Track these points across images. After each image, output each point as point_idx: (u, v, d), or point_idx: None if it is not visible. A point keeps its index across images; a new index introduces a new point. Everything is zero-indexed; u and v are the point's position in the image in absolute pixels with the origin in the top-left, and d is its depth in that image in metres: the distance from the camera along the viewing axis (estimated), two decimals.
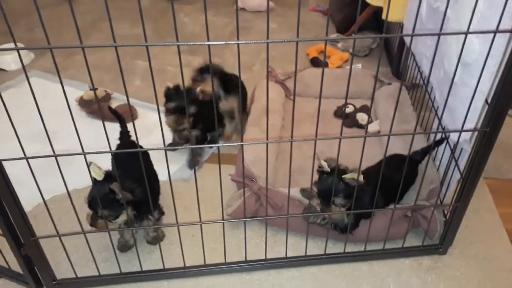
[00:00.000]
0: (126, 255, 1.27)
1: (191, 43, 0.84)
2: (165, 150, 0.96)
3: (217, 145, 0.96)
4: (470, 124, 1.12)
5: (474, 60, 1.11)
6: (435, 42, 1.40)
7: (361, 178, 1.09)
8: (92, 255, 1.11)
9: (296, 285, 1.20)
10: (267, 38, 0.80)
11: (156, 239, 1.28)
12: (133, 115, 1.81)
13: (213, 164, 1.60)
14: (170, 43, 0.84)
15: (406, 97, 1.75)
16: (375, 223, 1.22)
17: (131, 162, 1.15)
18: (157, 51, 2.35)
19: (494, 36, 0.90)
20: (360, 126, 1.73)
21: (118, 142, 1.37)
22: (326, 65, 2.17)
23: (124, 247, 1.27)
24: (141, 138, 1.43)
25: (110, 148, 0.95)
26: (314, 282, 1.20)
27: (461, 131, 1.08)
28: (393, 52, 2.13)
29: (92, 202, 1.04)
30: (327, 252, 1.24)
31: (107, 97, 1.88)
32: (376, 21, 2.38)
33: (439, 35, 0.86)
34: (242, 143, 0.97)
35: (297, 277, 1.22)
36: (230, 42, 0.86)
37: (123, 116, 1.44)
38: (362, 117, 1.73)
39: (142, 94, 1.99)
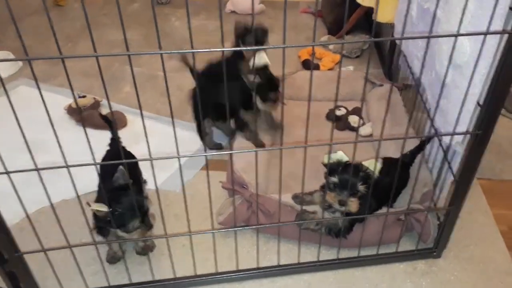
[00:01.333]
0: (115, 267, 1.25)
1: (175, 51, 0.82)
2: (151, 161, 0.93)
3: (204, 154, 0.94)
4: (462, 126, 1.11)
5: (465, 62, 1.09)
6: (426, 43, 1.39)
7: (378, 166, 1.09)
8: (79, 268, 1.08)
9: None
10: None
11: (146, 249, 1.26)
12: (122, 122, 1.79)
13: (203, 171, 1.57)
14: (153, 52, 0.81)
15: (398, 99, 1.74)
16: (368, 227, 1.20)
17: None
18: (148, 57, 2.32)
19: (484, 38, 0.89)
20: (352, 129, 1.71)
21: (108, 148, 1.35)
22: (316, 67, 2.15)
23: (113, 259, 1.24)
24: (131, 145, 1.41)
25: (95, 160, 0.92)
26: None
27: (452, 134, 1.07)
28: (384, 53, 2.11)
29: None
30: (320, 258, 1.22)
31: (96, 104, 1.85)
32: (368, 22, 2.37)
33: (428, 37, 0.84)
34: (231, 152, 0.95)
35: (290, 285, 1.20)
36: (214, 50, 0.83)
37: (114, 122, 1.41)
38: (354, 120, 1.72)
39: (132, 100, 1.97)
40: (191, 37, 0.80)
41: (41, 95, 0.81)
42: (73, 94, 0.87)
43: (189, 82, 2.12)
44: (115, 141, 1.36)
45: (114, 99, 1.98)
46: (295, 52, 2.27)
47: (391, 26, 1.87)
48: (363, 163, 1.12)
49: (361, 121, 1.71)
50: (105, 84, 2.06)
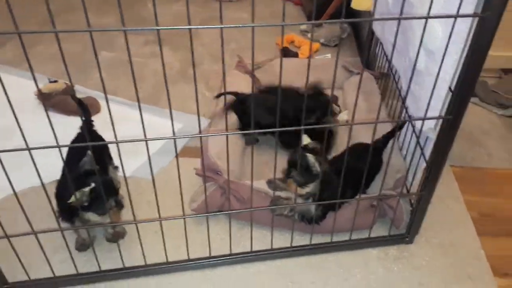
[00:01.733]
0: (85, 255, 1.22)
1: (139, 28, 0.79)
2: (118, 144, 0.90)
3: (173, 137, 0.92)
4: (434, 112, 1.11)
5: (438, 47, 1.09)
6: (401, 30, 1.39)
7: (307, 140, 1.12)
8: (45, 256, 1.05)
9: (262, 279, 1.17)
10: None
11: (117, 237, 1.23)
12: (96, 108, 1.74)
13: (180, 158, 1.55)
14: (116, 29, 0.78)
15: (375, 87, 1.74)
16: (341, 213, 1.21)
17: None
18: (123, 42, 2.25)
19: (454, 21, 0.88)
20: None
21: (79, 131, 1.31)
22: (295, 55, 2.14)
23: (82, 246, 1.21)
24: (104, 131, 1.37)
25: (58, 143, 0.89)
26: (281, 276, 1.18)
27: (424, 119, 1.07)
28: (363, 41, 2.11)
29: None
30: (293, 244, 1.22)
31: (68, 89, 1.79)
32: (348, 11, 2.36)
33: (399, 19, 0.84)
34: (200, 135, 0.93)
35: (263, 271, 1.19)
36: (179, 27, 0.81)
37: (87, 105, 1.36)
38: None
39: (106, 85, 1.91)
40: (155, 11, 0.77)
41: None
42: (34, 80, 0.82)
43: (165, 68, 2.09)
44: (86, 125, 1.32)
45: (88, 84, 1.93)
46: (273, 40, 2.25)
47: (370, 14, 1.87)
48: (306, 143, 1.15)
49: (338, 109, 1.71)
50: (79, 69, 1.98)
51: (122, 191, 1.21)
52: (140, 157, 1.55)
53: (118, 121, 1.67)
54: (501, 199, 1.45)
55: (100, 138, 1.25)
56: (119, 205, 1.11)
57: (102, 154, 1.22)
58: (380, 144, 1.34)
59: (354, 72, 1.86)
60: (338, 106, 1.74)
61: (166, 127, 1.77)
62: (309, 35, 2.30)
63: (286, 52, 2.15)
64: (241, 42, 2.28)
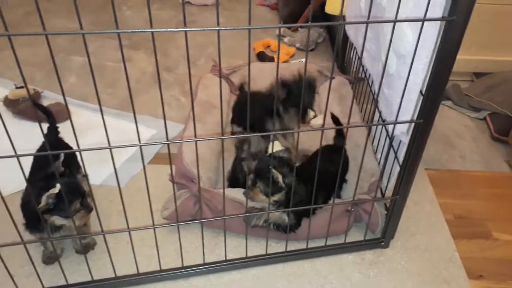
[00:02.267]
0: (52, 268, 1.17)
1: (96, 32, 0.75)
2: (80, 152, 0.87)
3: (138, 144, 0.89)
4: (407, 116, 1.11)
5: (408, 51, 1.09)
6: (374, 35, 1.39)
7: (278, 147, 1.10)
8: (7, 270, 1.00)
9: None
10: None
11: (86, 248, 1.19)
12: (65, 114, 1.69)
13: (153, 165, 1.51)
14: (74, 32, 0.75)
15: (350, 91, 1.75)
16: (316, 219, 1.19)
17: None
18: (96, 46, 2.22)
19: (422, 25, 0.88)
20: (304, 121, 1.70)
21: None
22: (271, 59, 2.13)
23: (49, 259, 1.16)
24: (74, 139, 1.32)
25: (15, 152, 0.84)
26: (256, 284, 1.16)
27: (395, 123, 1.07)
28: (338, 47, 2.12)
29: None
30: (269, 252, 1.20)
31: (36, 95, 1.74)
32: (324, 16, 2.37)
33: (367, 23, 0.83)
34: (168, 142, 0.91)
35: (238, 280, 1.16)
36: (145, 30, 0.78)
37: (51, 112, 1.33)
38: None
39: (76, 91, 1.87)
40: (115, 13, 0.74)
41: None
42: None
43: (138, 73, 2.05)
44: (52, 131, 1.28)
45: (58, 90, 1.87)
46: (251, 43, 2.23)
47: (344, 18, 1.88)
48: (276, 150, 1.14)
49: (313, 113, 1.71)
50: (48, 74, 1.94)
51: (99, 202, 1.17)
52: (111, 165, 1.50)
53: (90, 128, 1.65)
54: (475, 201, 1.46)
55: (67, 146, 1.21)
56: (87, 208, 1.07)
57: (70, 162, 1.18)
58: (341, 141, 1.32)
59: (329, 77, 1.86)
60: (314, 110, 1.73)
61: (140, 134, 1.74)
62: (285, 39, 2.29)
63: (262, 57, 2.14)
64: (217, 47, 2.25)
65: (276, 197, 1.11)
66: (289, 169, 1.10)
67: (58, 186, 0.98)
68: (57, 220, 1.04)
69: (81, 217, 1.07)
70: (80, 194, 1.05)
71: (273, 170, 1.05)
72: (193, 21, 2.53)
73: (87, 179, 1.08)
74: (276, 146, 1.13)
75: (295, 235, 1.21)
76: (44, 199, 0.98)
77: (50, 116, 1.29)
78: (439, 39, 0.92)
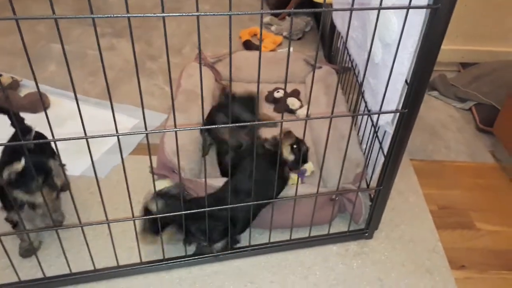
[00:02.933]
0: (30, 261, 1.14)
1: (72, 16, 0.72)
2: (55, 142, 0.83)
3: (115, 134, 0.86)
4: (392, 106, 1.09)
5: (394, 40, 1.07)
6: (360, 23, 1.37)
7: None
8: None
9: (220, 280, 1.13)
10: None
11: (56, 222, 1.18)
12: (44, 103, 1.64)
13: (135, 155, 1.48)
14: (46, 17, 0.71)
15: (335, 81, 1.73)
16: (300, 207, 1.18)
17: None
18: (77, 34, 2.16)
19: (407, 13, 0.86)
20: (290, 111, 1.68)
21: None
22: (258, 48, 2.10)
23: (26, 252, 1.13)
24: (54, 128, 1.27)
25: None
26: (239, 276, 1.14)
27: (379, 113, 1.05)
28: (325, 35, 2.09)
29: None
30: (252, 243, 1.18)
31: (15, 84, 1.69)
32: (311, 4, 2.34)
33: (351, 10, 0.81)
34: (146, 132, 0.88)
35: (221, 272, 1.15)
36: (120, 15, 0.75)
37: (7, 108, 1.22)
38: (292, 102, 1.68)
39: (57, 80, 1.82)
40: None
41: None
42: None
43: (121, 62, 2.00)
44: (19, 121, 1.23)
45: (38, 78, 1.81)
46: (236, 32, 2.20)
47: (331, 6, 1.85)
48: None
49: (299, 103, 1.69)
50: (27, 63, 1.89)
51: (78, 194, 1.14)
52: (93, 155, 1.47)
53: (70, 117, 1.60)
54: (459, 191, 1.47)
55: (40, 135, 1.17)
56: (51, 187, 1.08)
57: (43, 150, 1.15)
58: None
59: (316, 66, 1.84)
60: (300, 100, 1.72)
61: (121, 123, 1.70)
62: (272, 28, 2.26)
63: (249, 45, 2.11)
64: (203, 35, 2.21)
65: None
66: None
67: (23, 161, 0.98)
68: (20, 194, 1.03)
69: (45, 194, 1.04)
70: (44, 171, 1.06)
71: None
72: (178, 8, 2.47)
73: (63, 168, 1.07)
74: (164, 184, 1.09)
75: (278, 223, 1.19)
76: (6, 173, 0.98)
77: (8, 113, 1.18)
78: (424, 26, 0.90)
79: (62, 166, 1.22)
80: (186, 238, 1.10)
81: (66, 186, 1.25)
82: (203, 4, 2.50)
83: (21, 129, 1.15)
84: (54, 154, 1.18)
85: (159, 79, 1.90)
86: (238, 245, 1.19)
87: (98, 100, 1.72)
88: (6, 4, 0.67)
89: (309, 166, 1.44)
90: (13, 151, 1.07)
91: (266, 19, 2.34)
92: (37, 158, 1.07)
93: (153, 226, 1.03)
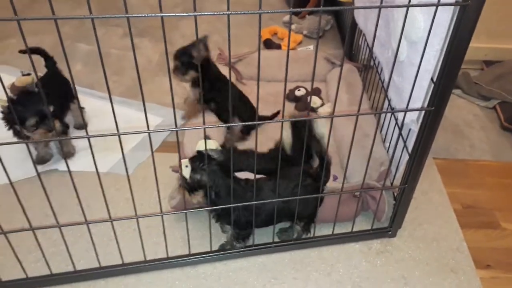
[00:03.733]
0: (60, 255, 1.17)
1: (107, 16, 0.74)
2: (89, 139, 0.86)
3: (146, 131, 0.88)
4: (417, 104, 1.09)
5: (420, 37, 1.07)
6: (384, 22, 1.37)
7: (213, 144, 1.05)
8: (16, 256, 1.00)
9: (243, 276, 1.15)
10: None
11: (67, 154, 1.48)
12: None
13: (160, 153, 1.51)
14: (84, 17, 0.74)
15: (358, 79, 1.72)
16: (324, 203, 1.18)
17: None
18: (101, 34, 2.20)
19: (435, 10, 0.86)
20: (312, 109, 1.69)
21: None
22: (278, 47, 2.11)
23: (42, 159, 1.45)
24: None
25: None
26: (263, 272, 1.16)
27: (406, 110, 1.05)
28: (346, 34, 2.09)
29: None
30: (276, 240, 1.19)
31: None
32: (330, 3, 2.33)
33: (379, 7, 0.81)
34: (176, 129, 0.90)
35: (245, 268, 1.17)
36: (154, 15, 0.77)
37: (44, 49, 1.56)
38: (314, 100, 1.69)
39: (82, 79, 1.86)
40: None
41: None
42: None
43: (144, 61, 2.04)
44: (51, 63, 1.56)
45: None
46: (255, 31, 2.21)
47: (352, 4, 1.85)
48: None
49: (321, 101, 1.69)
50: (55, 61, 1.95)
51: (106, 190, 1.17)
52: (118, 153, 1.49)
53: (95, 116, 1.64)
54: (483, 191, 1.45)
55: (65, 78, 1.54)
56: (48, 128, 1.31)
57: (66, 93, 1.53)
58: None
59: (336, 64, 1.84)
60: (321, 98, 1.72)
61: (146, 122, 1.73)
62: (292, 26, 2.26)
63: (269, 44, 2.12)
64: (224, 34, 2.23)
65: (198, 197, 1.06)
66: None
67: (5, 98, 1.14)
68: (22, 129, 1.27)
69: (40, 133, 1.31)
70: (36, 113, 1.28)
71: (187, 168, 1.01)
72: (199, 8, 2.49)
73: (81, 111, 1.50)
74: (210, 145, 1.04)
75: None
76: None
77: (43, 53, 1.54)
78: (452, 24, 0.89)
79: (81, 108, 1.53)
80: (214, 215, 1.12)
81: (82, 126, 1.60)
82: (221, 4, 2.52)
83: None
84: (74, 98, 1.53)
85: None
86: (263, 242, 1.21)
87: (123, 99, 1.76)
88: (31, 4, 0.70)
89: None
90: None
91: (286, 18, 2.34)
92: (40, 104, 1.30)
93: (187, 186, 1.04)
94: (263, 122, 1.56)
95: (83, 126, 1.58)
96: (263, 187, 1.09)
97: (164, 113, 1.69)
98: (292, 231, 1.20)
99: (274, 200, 1.06)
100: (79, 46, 2.11)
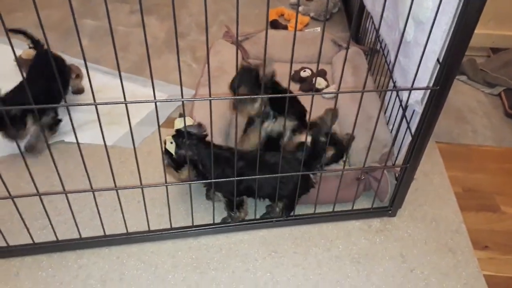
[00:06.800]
0: (65, 222, 1.20)
1: None
2: (96, 106, 0.87)
3: (154, 100, 0.89)
4: (422, 84, 1.10)
5: (428, 18, 1.07)
6: (391, 3, 1.36)
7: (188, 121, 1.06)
8: (23, 221, 1.03)
9: (245, 248, 1.17)
10: None
11: (32, 149, 1.40)
12: (79, 75, 1.69)
13: (164, 128, 1.52)
14: None
15: (363, 62, 1.72)
16: (325, 185, 1.20)
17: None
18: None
19: None
20: (317, 91, 1.69)
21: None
22: (284, 28, 2.10)
23: (30, 147, 1.39)
24: (86, 100, 1.33)
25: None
26: (264, 245, 1.18)
27: (411, 89, 1.06)
28: (353, 16, 2.08)
29: None
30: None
31: None
32: None
33: None
34: (182, 99, 0.91)
35: (246, 240, 1.19)
36: None
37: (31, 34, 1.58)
38: (319, 82, 1.69)
39: (89, 54, 1.86)
40: None
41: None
42: (11, 44, 0.78)
43: (150, 39, 2.04)
44: (38, 44, 1.58)
45: (70, 52, 1.87)
46: (262, 12, 2.20)
47: None
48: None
49: (326, 83, 1.70)
50: (61, 36, 1.98)
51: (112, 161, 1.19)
52: (124, 127, 1.51)
53: (100, 91, 1.66)
54: (484, 175, 1.46)
55: (57, 57, 1.52)
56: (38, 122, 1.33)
57: (62, 71, 1.52)
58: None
59: (343, 47, 1.84)
60: (326, 80, 1.72)
61: (151, 97, 1.74)
62: (299, 8, 2.25)
63: (276, 25, 2.11)
64: (231, 13, 2.23)
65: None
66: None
67: None
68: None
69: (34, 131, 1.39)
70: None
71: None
72: None
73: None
74: (188, 121, 1.05)
75: (303, 199, 1.21)
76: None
77: (26, 33, 1.56)
78: (461, 4, 0.89)
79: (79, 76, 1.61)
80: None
81: (79, 91, 1.65)
82: None
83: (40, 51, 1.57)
84: (71, 73, 1.57)
85: (187, 56, 1.93)
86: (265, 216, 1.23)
87: (129, 75, 1.77)
88: None
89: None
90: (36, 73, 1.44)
91: (294, 0, 2.33)
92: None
93: (173, 163, 1.07)
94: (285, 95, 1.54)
95: (80, 90, 1.65)
96: (246, 156, 1.11)
97: (169, 90, 1.70)
98: (273, 210, 1.22)
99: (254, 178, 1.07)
100: (85, 21, 2.10)
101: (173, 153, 1.04)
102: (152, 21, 2.17)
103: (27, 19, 2.02)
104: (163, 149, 1.04)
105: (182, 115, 1.00)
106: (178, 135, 1.05)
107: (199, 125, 1.08)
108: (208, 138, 1.06)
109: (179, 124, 1.05)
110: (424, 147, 1.13)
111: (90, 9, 2.20)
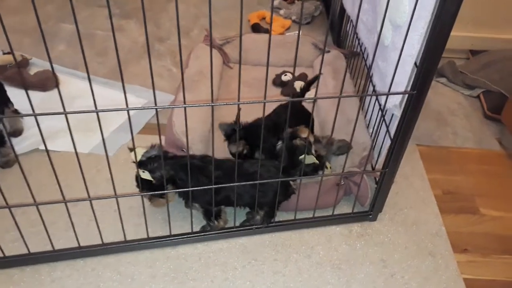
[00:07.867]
0: (39, 234, 1.16)
1: None
2: (66, 115, 0.85)
3: (126, 108, 0.87)
4: (400, 88, 1.09)
5: (405, 22, 1.07)
6: (371, 6, 1.36)
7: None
8: None
9: (224, 257, 1.15)
10: None
11: (7, 163, 1.35)
12: (53, 82, 1.65)
13: (142, 135, 1.49)
14: None
15: (344, 65, 1.72)
16: (305, 191, 1.19)
17: None
18: (86, 15, 2.16)
19: None
20: (297, 96, 1.68)
21: None
22: (266, 31, 2.09)
23: (6, 164, 1.35)
24: (61, 107, 1.29)
25: None
26: (243, 253, 1.16)
27: (388, 94, 1.05)
28: (334, 20, 2.08)
29: None
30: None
31: (24, 62, 1.70)
32: None
33: None
34: (156, 107, 0.89)
35: (226, 249, 1.17)
36: None
37: None
38: (299, 85, 1.68)
39: (66, 59, 1.83)
40: None
41: None
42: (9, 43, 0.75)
43: (129, 43, 2.01)
44: None
45: (46, 57, 1.83)
46: (244, 16, 2.18)
47: None
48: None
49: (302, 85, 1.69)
50: (37, 41, 1.94)
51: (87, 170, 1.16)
52: (99, 134, 1.48)
53: (79, 96, 1.62)
54: (464, 177, 1.47)
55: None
56: None
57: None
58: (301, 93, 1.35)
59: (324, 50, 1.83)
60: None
61: (130, 103, 1.70)
62: (281, 12, 2.25)
63: (257, 28, 2.10)
64: (211, 17, 2.20)
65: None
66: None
67: None
68: None
69: None
70: None
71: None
72: None
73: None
74: (140, 151, 1.09)
75: (283, 206, 1.20)
76: None
77: None
78: (436, 7, 0.89)
79: (16, 111, 1.43)
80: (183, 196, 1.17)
81: (17, 132, 1.46)
82: None
83: None
84: (8, 102, 1.42)
85: (167, 60, 1.91)
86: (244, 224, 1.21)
87: (106, 80, 1.73)
88: None
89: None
90: None
91: (276, 2, 2.32)
92: None
93: (155, 190, 1.08)
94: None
95: (19, 131, 1.46)
96: (222, 165, 1.10)
97: (148, 95, 1.67)
98: (253, 218, 1.20)
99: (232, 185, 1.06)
100: (63, 26, 2.06)
101: (152, 179, 1.04)
102: (131, 25, 2.13)
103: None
104: (139, 182, 1.04)
105: (132, 149, 1.03)
106: (146, 163, 1.06)
107: (153, 146, 1.11)
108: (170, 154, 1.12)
109: (139, 155, 1.07)
110: (403, 151, 1.12)
111: (67, 13, 2.15)
